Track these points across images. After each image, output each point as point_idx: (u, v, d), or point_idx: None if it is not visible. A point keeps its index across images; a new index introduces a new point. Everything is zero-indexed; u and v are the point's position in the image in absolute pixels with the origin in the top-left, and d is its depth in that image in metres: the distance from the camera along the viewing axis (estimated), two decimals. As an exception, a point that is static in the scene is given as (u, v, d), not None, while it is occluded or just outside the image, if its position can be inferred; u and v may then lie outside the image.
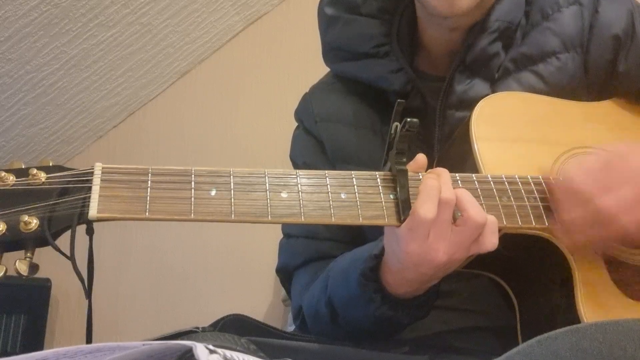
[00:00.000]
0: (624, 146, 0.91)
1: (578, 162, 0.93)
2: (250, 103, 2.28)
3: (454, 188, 0.83)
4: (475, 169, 0.94)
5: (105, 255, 2.09)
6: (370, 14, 1.12)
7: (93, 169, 0.76)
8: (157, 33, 2.14)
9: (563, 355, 0.66)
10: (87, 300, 0.78)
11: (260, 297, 2.13)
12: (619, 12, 1.08)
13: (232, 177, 0.79)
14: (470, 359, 1.00)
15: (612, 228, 0.85)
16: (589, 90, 1.09)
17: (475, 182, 0.89)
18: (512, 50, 1.08)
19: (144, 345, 0.64)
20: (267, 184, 0.80)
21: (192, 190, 0.77)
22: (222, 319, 0.93)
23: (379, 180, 0.84)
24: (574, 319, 0.88)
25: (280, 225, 1.18)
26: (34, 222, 0.72)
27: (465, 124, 1.00)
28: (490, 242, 0.83)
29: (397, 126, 0.84)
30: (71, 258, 0.74)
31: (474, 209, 0.81)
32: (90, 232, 0.76)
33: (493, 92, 1.05)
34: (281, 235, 1.19)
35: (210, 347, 0.62)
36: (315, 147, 1.18)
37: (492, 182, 0.90)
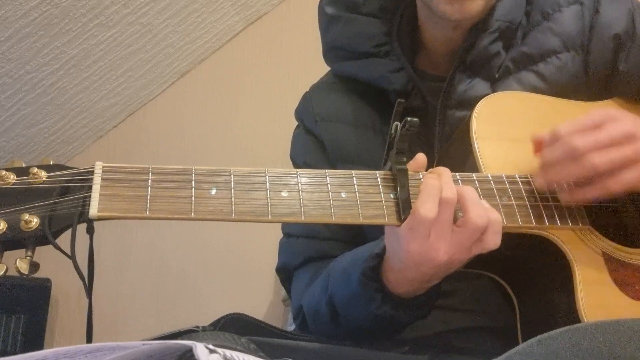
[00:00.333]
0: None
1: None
2: (250, 103, 2.28)
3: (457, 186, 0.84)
4: (475, 168, 0.94)
5: (105, 255, 2.09)
6: (370, 13, 1.13)
7: (94, 168, 0.76)
8: (157, 33, 2.14)
9: (563, 355, 0.66)
10: (87, 301, 0.78)
11: (260, 297, 2.13)
12: (620, 12, 1.08)
13: (232, 176, 0.79)
14: (470, 359, 1.00)
15: (582, 165, 0.85)
16: (589, 89, 1.09)
17: (476, 181, 0.89)
18: (512, 50, 1.08)
19: (143, 345, 0.64)
20: (267, 183, 0.80)
21: (193, 189, 0.77)
22: (222, 318, 0.93)
23: (379, 179, 0.84)
24: (574, 318, 0.88)
25: (280, 225, 1.18)
26: (34, 221, 0.72)
27: (465, 123, 1.00)
28: (493, 241, 0.83)
29: (397, 125, 0.84)
30: (72, 257, 0.74)
31: (474, 211, 0.81)
32: (90, 231, 0.76)
33: (493, 91, 1.06)
34: (281, 235, 1.19)
35: (210, 346, 0.62)
36: (315, 146, 1.18)
37: (492, 182, 0.90)
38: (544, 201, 0.90)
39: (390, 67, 1.09)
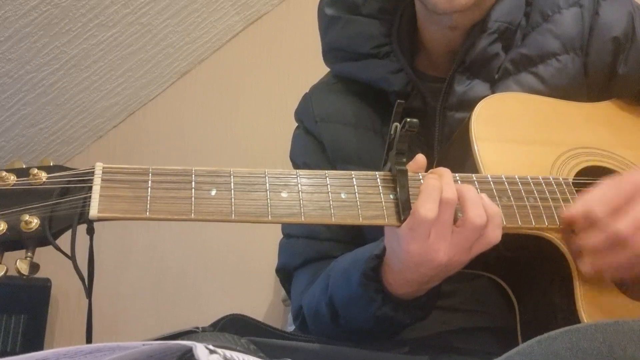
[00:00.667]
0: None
1: (595, 189, 0.91)
2: (250, 103, 2.28)
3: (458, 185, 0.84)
4: (475, 169, 0.94)
5: (105, 255, 2.08)
6: (370, 14, 1.13)
7: (94, 168, 0.76)
8: (157, 33, 2.14)
9: (563, 355, 0.66)
10: (87, 301, 0.78)
11: (260, 297, 2.13)
12: (619, 14, 1.08)
13: (232, 177, 0.79)
14: (470, 359, 1.00)
15: (630, 249, 0.84)
16: (588, 91, 1.09)
17: (475, 182, 0.89)
18: (512, 51, 1.08)
19: (144, 345, 0.64)
20: (267, 184, 0.80)
21: (193, 190, 0.77)
22: (222, 319, 0.93)
23: (379, 180, 0.84)
24: (574, 319, 0.88)
25: (280, 225, 1.18)
26: (34, 222, 0.72)
27: (465, 124, 1.00)
28: (495, 235, 0.83)
29: (397, 126, 0.84)
30: (72, 257, 0.74)
31: (473, 211, 0.81)
32: (90, 231, 0.76)
33: (493, 92, 1.05)
34: (281, 235, 1.19)
35: (210, 347, 0.62)
36: (315, 147, 1.18)
37: (491, 182, 0.90)
38: (544, 202, 0.90)
39: (390, 68, 1.09)
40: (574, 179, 0.95)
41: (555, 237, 0.90)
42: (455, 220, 0.82)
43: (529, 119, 1.02)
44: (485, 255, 0.88)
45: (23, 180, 0.74)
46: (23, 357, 0.63)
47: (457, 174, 0.89)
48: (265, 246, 1.89)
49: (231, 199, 0.77)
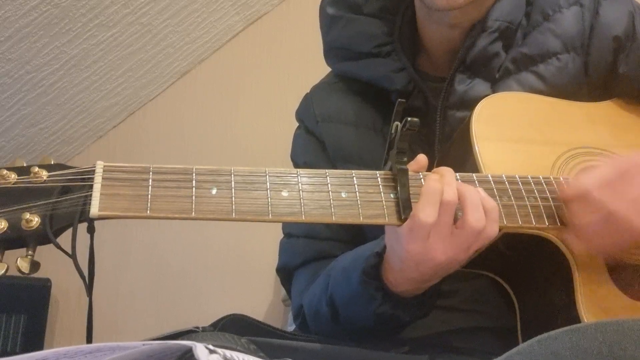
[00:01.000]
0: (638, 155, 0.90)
1: (592, 169, 0.92)
2: (250, 103, 2.28)
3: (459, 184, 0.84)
4: (475, 168, 0.94)
5: (105, 255, 2.08)
6: (372, 13, 1.13)
7: (94, 167, 0.76)
8: (157, 33, 2.14)
9: (563, 355, 0.66)
10: (87, 301, 0.78)
11: (260, 297, 2.13)
12: (620, 14, 1.08)
13: (233, 175, 0.79)
14: (470, 359, 1.00)
15: (625, 232, 0.85)
16: (589, 91, 1.09)
17: (476, 181, 0.89)
18: (512, 51, 1.08)
19: (143, 345, 0.64)
20: (267, 183, 0.80)
21: (193, 188, 0.77)
22: (222, 318, 0.93)
23: (379, 179, 0.84)
24: (574, 318, 0.88)
25: (280, 225, 1.18)
26: (35, 220, 0.72)
27: (465, 123, 1.00)
28: (492, 230, 0.83)
29: (397, 125, 0.84)
30: (72, 256, 0.74)
31: (473, 215, 0.81)
32: (91, 230, 0.76)
33: (494, 92, 1.06)
34: (281, 235, 1.19)
35: (210, 347, 0.62)
36: (316, 147, 1.18)
37: (492, 182, 0.90)
38: (544, 201, 0.90)
39: (391, 67, 1.09)
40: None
41: (555, 237, 0.90)
42: (455, 219, 0.83)
43: (530, 119, 1.02)
44: (486, 255, 0.88)
45: (24, 179, 0.74)
46: (23, 357, 0.63)
47: (457, 174, 0.89)
48: (265, 246, 1.90)
49: (232, 197, 0.77)
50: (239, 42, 2.33)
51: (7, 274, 0.72)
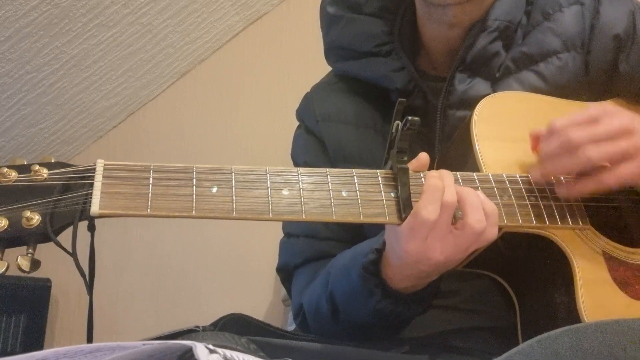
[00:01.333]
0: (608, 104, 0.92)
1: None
2: (250, 103, 2.28)
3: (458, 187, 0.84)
4: (476, 168, 0.94)
5: (105, 255, 2.07)
6: (372, 13, 1.13)
7: (95, 165, 0.76)
8: (157, 33, 2.14)
9: (563, 355, 0.66)
10: (87, 300, 0.78)
11: (260, 297, 2.13)
12: (620, 13, 1.08)
13: (233, 174, 0.79)
14: (470, 359, 1.00)
15: (578, 158, 0.86)
16: (589, 90, 1.09)
17: (477, 181, 0.89)
18: (512, 50, 1.08)
19: (144, 345, 0.64)
20: (268, 182, 0.80)
21: (194, 187, 0.77)
22: (222, 318, 0.93)
23: (380, 178, 0.84)
24: (575, 318, 0.88)
25: (280, 225, 1.18)
26: (36, 218, 0.72)
27: (466, 123, 1.00)
28: (491, 233, 0.83)
29: (398, 125, 0.84)
30: (73, 254, 0.74)
31: (474, 216, 0.81)
32: (91, 228, 0.76)
33: (494, 91, 1.06)
34: (281, 235, 1.19)
35: (210, 346, 0.62)
36: (316, 146, 1.18)
37: (493, 181, 0.90)
38: (545, 200, 0.90)
39: (392, 67, 1.10)
40: (574, 178, 0.95)
41: (556, 236, 0.90)
42: (455, 220, 0.83)
43: (530, 118, 1.02)
44: (486, 254, 0.88)
45: (24, 177, 0.74)
46: (23, 357, 0.63)
47: (458, 173, 0.89)
48: (265, 246, 1.89)
49: (232, 196, 0.77)
50: (239, 42, 2.33)
51: (8, 273, 0.72)
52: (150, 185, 0.76)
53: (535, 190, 0.91)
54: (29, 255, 0.73)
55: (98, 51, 2.07)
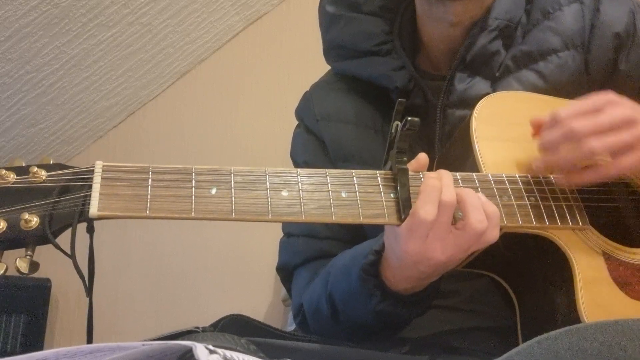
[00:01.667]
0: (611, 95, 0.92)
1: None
2: (250, 103, 2.28)
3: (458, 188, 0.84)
4: (475, 168, 0.94)
5: (104, 256, 2.08)
6: (371, 12, 1.13)
7: (94, 167, 0.76)
8: (157, 33, 2.14)
9: (563, 355, 0.66)
10: (87, 301, 0.78)
11: (260, 297, 2.13)
12: (620, 11, 1.08)
13: (232, 175, 0.79)
14: (470, 359, 1.00)
15: (581, 148, 0.86)
16: (589, 89, 1.08)
17: (476, 181, 0.89)
18: (512, 49, 1.08)
19: (143, 345, 0.64)
20: (267, 183, 0.80)
21: (193, 188, 0.77)
22: (222, 319, 0.93)
23: (379, 179, 0.84)
24: (575, 318, 0.88)
25: (280, 225, 1.18)
26: (34, 220, 0.72)
27: (465, 123, 1.00)
28: (492, 235, 0.83)
29: (397, 125, 0.84)
30: (72, 256, 0.74)
31: (475, 216, 0.81)
32: (90, 230, 0.76)
33: (494, 90, 1.06)
34: (281, 235, 1.19)
35: (210, 347, 0.62)
36: (315, 145, 1.18)
37: (492, 181, 0.90)
38: (544, 201, 0.90)
39: (391, 66, 1.09)
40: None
41: (556, 236, 0.90)
42: (455, 220, 0.82)
43: (530, 118, 1.02)
44: (486, 255, 0.88)
45: (23, 179, 0.74)
46: (23, 357, 0.63)
47: (457, 173, 0.89)
48: (265, 246, 1.89)
49: (231, 197, 0.77)
50: (239, 42, 2.32)
51: (7, 274, 0.72)
52: (149, 187, 0.75)
53: (535, 190, 0.91)
54: (28, 257, 0.73)
55: (98, 51, 2.07)
